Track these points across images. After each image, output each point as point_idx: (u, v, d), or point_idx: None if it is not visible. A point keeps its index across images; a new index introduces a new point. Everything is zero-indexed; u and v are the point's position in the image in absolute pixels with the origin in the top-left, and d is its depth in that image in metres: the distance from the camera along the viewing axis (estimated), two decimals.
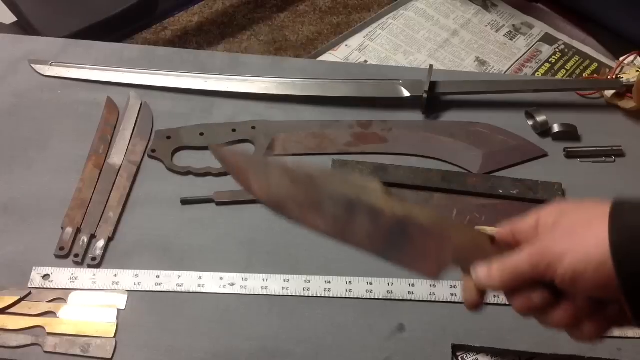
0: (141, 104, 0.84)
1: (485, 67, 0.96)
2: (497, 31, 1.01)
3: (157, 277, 0.70)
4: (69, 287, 0.69)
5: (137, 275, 0.70)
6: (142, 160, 0.80)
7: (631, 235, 0.40)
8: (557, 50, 0.98)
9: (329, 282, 0.70)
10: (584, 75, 0.95)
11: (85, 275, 0.70)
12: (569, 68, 0.96)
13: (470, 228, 0.47)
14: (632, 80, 0.83)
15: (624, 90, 0.84)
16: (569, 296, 0.43)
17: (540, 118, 0.83)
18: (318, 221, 0.47)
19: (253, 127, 0.82)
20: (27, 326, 0.66)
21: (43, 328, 0.66)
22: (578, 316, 0.43)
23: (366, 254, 0.47)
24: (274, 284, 0.70)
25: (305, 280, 0.70)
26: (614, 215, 0.41)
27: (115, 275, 0.70)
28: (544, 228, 0.45)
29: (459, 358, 0.68)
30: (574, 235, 0.42)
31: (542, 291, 0.43)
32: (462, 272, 0.46)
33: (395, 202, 0.45)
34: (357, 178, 0.47)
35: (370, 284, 0.70)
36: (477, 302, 0.46)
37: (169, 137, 0.81)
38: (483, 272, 0.45)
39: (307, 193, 0.47)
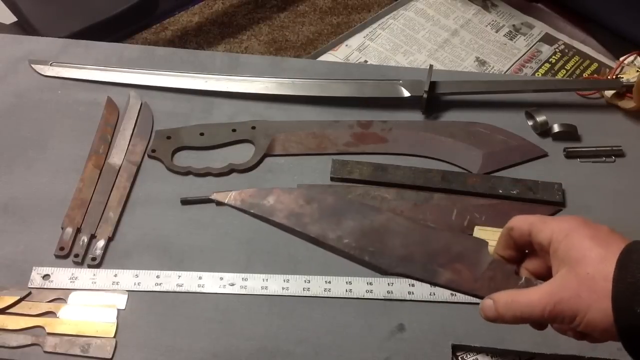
0: (141, 104, 0.84)
1: (485, 67, 0.96)
2: (497, 31, 1.01)
3: (157, 277, 0.70)
4: (69, 287, 0.69)
5: (137, 275, 0.70)
6: (142, 160, 0.80)
7: (633, 289, 0.40)
8: (557, 50, 0.98)
9: (329, 282, 0.70)
10: (584, 75, 0.95)
11: (85, 275, 0.70)
12: (569, 68, 0.96)
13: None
14: (632, 80, 0.83)
15: (624, 90, 0.83)
16: None
17: (540, 118, 0.83)
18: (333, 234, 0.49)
19: (253, 127, 0.82)
20: (27, 326, 0.66)
21: (43, 328, 0.66)
22: None
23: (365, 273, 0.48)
24: (274, 284, 0.70)
25: (305, 280, 0.70)
26: (619, 266, 0.41)
27: (115, 275, 0.70)
28: (555, 254, 0.44)
29: (459, 358, 0.68)
30: (591, 287, 0.41)
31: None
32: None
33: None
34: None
35: (370, 284, 0.70)
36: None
37: (169, 137, 0.81)
38: (488, 305, 0.45)
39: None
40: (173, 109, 0.85)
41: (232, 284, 0.70)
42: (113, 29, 1.33)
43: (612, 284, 0.40)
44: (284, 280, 0.71)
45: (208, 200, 0.76)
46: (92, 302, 0.69)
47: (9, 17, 1.29)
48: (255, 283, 0.70)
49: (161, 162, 0.80)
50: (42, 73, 0.87)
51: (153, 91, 0.86)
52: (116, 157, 0.79)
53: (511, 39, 1.00)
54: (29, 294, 0.69)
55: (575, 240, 0.43)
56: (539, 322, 0.45)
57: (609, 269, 0.41)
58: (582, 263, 0.42)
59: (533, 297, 0.43)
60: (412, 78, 0.85)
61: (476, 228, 0.73)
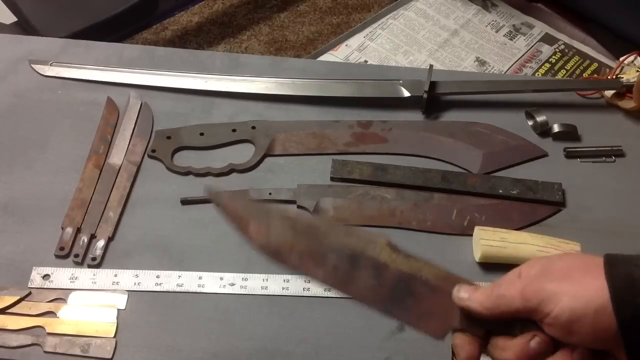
0: (141, 104, 0.84)
1: (485, 67, 0.96)
2: (497, 31, 1.01)
3: (157, 277, 0.70)
4: (69, 287, 0.69)
5: (137, 275, 0.70)
6: (142, 160, 0.80)
7: (629, 282, 0.39)
8: (557, 50, 0.98)
9: None
10: (584, 75, 0.95)
11: (85, 275, 0.70)
12: (569, 68, 0.97)
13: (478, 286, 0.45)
14: (632, 80, 0.83)
15: (624, 90, 0.84)
16: (564, 346, 0.42)
17: (540, 118, 0.83)
18: (319, 271, 0.46)
19: (253, 127, 0.82)
20: (27, 326, 0.66)
21: (43, 328, 0.66)
22: None
23: (368, 308, 0.47)
24: (274, 284, 0.70)
25: (305, 280, 0.70)
26: (609, 264, 0.40)
27: (115, 275, 0.70)
28: (528, 276, 0.43)
29: None
30: (572, 278, 0.41)
31: (543, 336, 0.42)
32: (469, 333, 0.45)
33: (400, 258, 0.45)
34: (363, 232, 0.46)
35: None
36: (473, 355, 0.44)
37: (169, 137, 0.81)
38: (465, 291, 0.44)
39: (309, 243, 0.46)
40: (173, 109, 0.85)
41: (232, 284, 0.70)
42: (113, 29, 1.33)
43: (607, 278, 0.39)
44: (284, 280, 0.71)
45: (208, 200, 0.76)
46: (92, 302, 0.69)
47: (9, 17, 1.29)
48: (255, 283, 0.70)
49: (161, 162, 0.80)
50: (42, 73, 0.87)
51: (153, 91, 0.86)
52: (116, 157, 0.79)
53: (511, 39, 1.00)
54: (29, 294, 0.69)
55: (548, 258, 0.43)
56: (516, 312, 0.42)
57: (589, 262, 0.40)
58: (556, 262, 0.42)
59: (515, 284, 0.42)
60: (412, 78, 0.85)
61: (476, 228, 0.73)
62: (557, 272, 0.41)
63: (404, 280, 0.45)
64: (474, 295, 0.44)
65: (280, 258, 0.47)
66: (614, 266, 0.40)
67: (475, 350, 0.44)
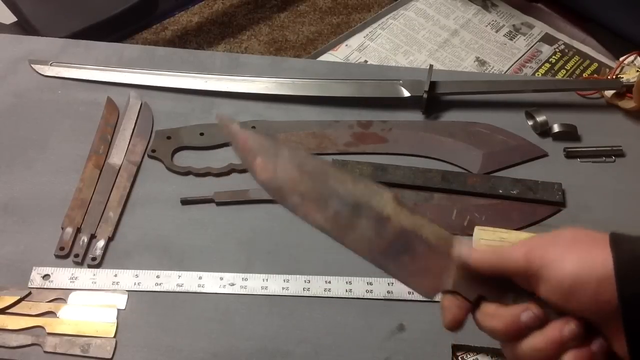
0: (141, 104, 0.84)
1: (485, 67, 0.96)
2: (497, 31, 1.01)
3: (157, 277, 0.70)
4: (69, 287, 0.69)
5: (137, 275, 0.70)
6: (142, 160, 0.80)
7: (634, 258, 0.39)
8: (557, 50, 0.98)
9: (329, 282, 0.70)
10: (584, 75, 0.95)
11: (85, 275, 0.70)
12: (569, 68, 0.96)
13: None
14: (632, 80, 0.83)
15: (624, 90, 0.83)
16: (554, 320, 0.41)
17: (540, 118, 0.83)
18: (318, 216, 0.45)
19: (253, 127, 0.82)
20: (27, 326, 0.66)
21: (43, 328, 0.66)
22: (560, 345, 0.41)
23: (363, 259, 0.46)
24: (274, 284, 0.70)
25: (305, 280, 0.70)
26: (615, 240, 0.40)
27: (115, 275, 0.70)
28: (533, 242, 0.43)
29: (459, 358, 0.68)
30: (578, 247, 0.41)
31: (536, 310, 0.41)
32: (461, 294, 0.44)
33: (405, 213, 0.44)
34: (371, 183, 0.46)
35: (370, 284, 0.70)
36: (458, 319, 0.44)
37: (169, 137, 0.81)
38: (466, 249, 0.43)
39: (314, 184, 0.45)
40: (173, 109, 0.85)
41: (232, 284, 0.70)
42: (113, 29, 1.33)
43: (612, 252, 0.39)
44: (284, 280, 0.71)
45: (208, 200, 0.76)
46: (92, 302, 0.69)
47: (9, 17, 1.29)
48: (255, 283, 0.70)
49: (161, 162, 0.80)
50: (42, 73, 0.87)
51: (153, 91, 0.86)
52: (116, 157, 0.79)
53: (511, 39, 1.00)
54: (29, 294, 0.69)
55: (557, 232, 0.43)
56: (515, 272, 0.42)
57: (596, 236, 0.41)
58: (563, 234, 0.42)
59: (518, 245, 0.42)
60: (412, 78, 0.85)
61: (476, 228, 0.73)
62: (563, 241, 0.41)
63: (403, 235, 0.44)
64: (476, 250, 0.43)
65: (281, 196, 0.46)
66: (620, 243, 0.40)
67: (461, 314, 0.44)
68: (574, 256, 0.40)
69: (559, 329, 0.41)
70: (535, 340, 0.41)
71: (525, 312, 0.41)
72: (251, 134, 0.47)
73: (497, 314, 0.43)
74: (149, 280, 0.70)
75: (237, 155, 0.48)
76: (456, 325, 0.44)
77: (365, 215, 0.44)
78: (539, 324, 0.41)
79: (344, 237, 0.45)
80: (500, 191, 0.77)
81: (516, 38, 1.00)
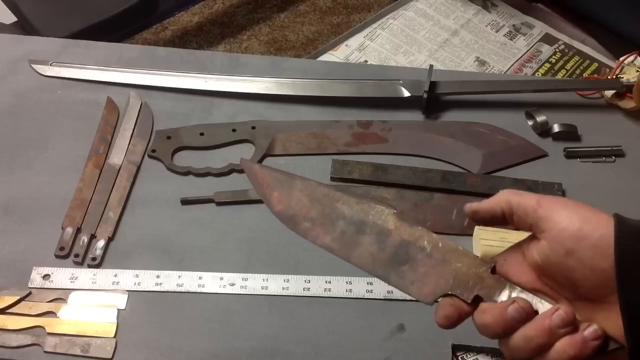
0: (141, 104, 0.84)
1: (485, 67, 0.96)
2: (497, 31, 1.01)
3: (157, 277, 0.70)
4: (69, 287, 0.69)
5: (137, 275, 0.70)
6: (142, 160, 0.80)
7: (635, 229, 0.40)
8: (557, 50, 0.98)
9: (329, 282, 0.70)
10: (584, 75, 0.95)
11: (85, 275, 0.70)
12: (569, 68, 0.96)
13: (472, 256, 0.47)
14: (632, 80, 0.83)
15: (624, 90, 0.84)
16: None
17: (540, 118, 0.83)
18: (327, 237, 0.49)
19: (253, 127, 0.82)
20: (27, 326, 0.66)
21: (43, 328, 0.66)
22: (550, 332, 0.41)
23: (366, 273, 0.49)
24: (274, 284, 0.70)
25: (305, 280, 0.70)
26: (618, 216, 0.42)
27: (115, 275, 0.70)
28: (544, 197, 0.45)
29: (459, 358, 0.68)
30: (586, 208, 0.43)
31: (523, 303, 0.43)
32: (458, 296, 0.46)
33: (404, 226, 0.48)
34: (373, 201, 0.50)
35: (371, 284, 0.70)
36: (451, 316, 0.46)
37: (169, 137, 0.81)
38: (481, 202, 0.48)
39: (322, 209, 0.50)
40: (173, 109, 0.85)
41: (232, 284, 0.70)
42: (113, 29, 1.33)
43: (615, 221, 0.41)
44: (284, 280, 0.71)
45: (208, 200, 0.76)
46: (92, 302, 0.69)
47: (9, 17, 1.29)
48: (255, 283, 0.70)
49: (161, 162, 0.80)
50: (42, 73, 0.87)
51: (153, 91, 0.86)
52: (116, 157, 0.79)
53: (511, 39, 1.00)
54: (29, 294, 0.69)
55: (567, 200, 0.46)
56: (524, 212, 0.45)
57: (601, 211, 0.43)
58: (571, 201, 0.44)
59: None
60: (412, 78, 0.85)
61: (476, 228, 0.73)
62: (573, 202, 0.44)
63: (404, 246, 0.47)
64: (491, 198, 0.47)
65: (294, 223, 0.50)
66: (623, 218, 0.42)
67: (454, 313, 0.46)
68: (580, 212, 0.43)
69: (548, 316, 0.42)
70: (526, 330, 0.43)
71: (512, 305, 0.43)
72: (268, 170, 0.53)
73: (487, 309, 0.44)
74: (149, 280, 0.70)
75: (257, 192, 0.53)
76: (447, 323, 0.46)
77: (368, 232, 0.48)
78: (526, 317, 0.43)
79: (349, 254, 0.49)
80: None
81: (516, 38, 1.00)
